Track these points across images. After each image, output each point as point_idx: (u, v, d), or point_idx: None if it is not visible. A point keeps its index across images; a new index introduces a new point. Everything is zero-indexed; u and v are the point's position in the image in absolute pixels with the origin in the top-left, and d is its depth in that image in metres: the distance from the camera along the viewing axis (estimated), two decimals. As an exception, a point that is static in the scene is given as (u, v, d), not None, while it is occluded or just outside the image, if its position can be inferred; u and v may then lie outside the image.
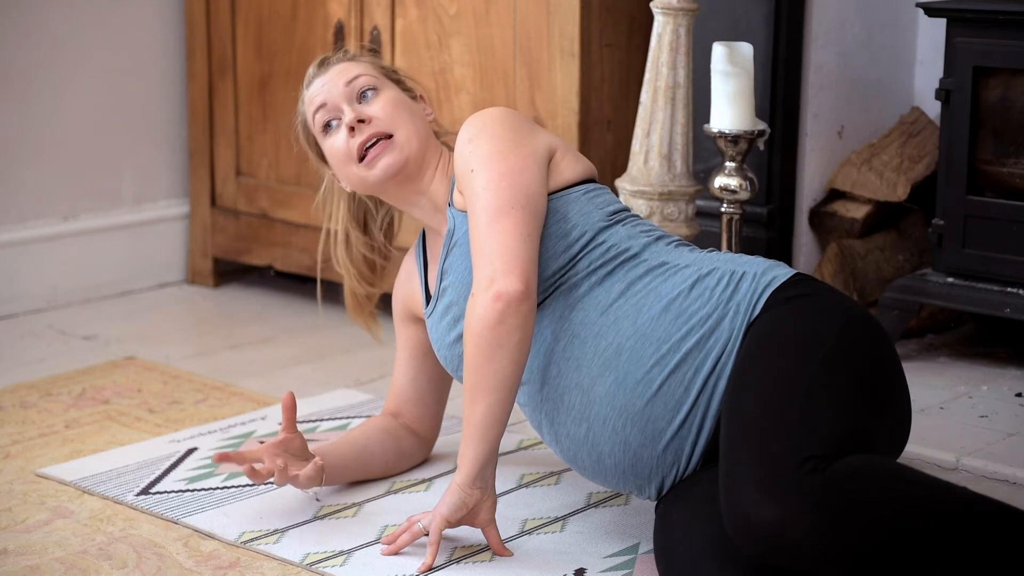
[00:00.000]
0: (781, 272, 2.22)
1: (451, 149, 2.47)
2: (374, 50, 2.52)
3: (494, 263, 2.18)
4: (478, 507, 2.23)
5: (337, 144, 2.41)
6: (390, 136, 2.39)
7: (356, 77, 2.42)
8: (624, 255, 2.27)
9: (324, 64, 2.46)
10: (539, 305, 2.27)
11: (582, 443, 2.23)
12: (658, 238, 2.32)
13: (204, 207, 3.89)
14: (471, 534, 2.32)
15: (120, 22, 3.80)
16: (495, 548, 2.27)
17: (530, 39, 3.20)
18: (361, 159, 2.39)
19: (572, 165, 2.34)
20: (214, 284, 3.92)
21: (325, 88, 2.42)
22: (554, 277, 2.26)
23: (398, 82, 2.48)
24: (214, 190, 3.87)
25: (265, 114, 3.73)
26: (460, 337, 2.34)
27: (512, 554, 2.28)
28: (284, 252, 3.74)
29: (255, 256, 3.82)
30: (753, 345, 2.14)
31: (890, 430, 2.14)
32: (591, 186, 2.35)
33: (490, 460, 2.21)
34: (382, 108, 2.40)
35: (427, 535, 2.23)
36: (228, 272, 3.97)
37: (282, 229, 3.73)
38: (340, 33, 3.51)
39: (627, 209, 2.36)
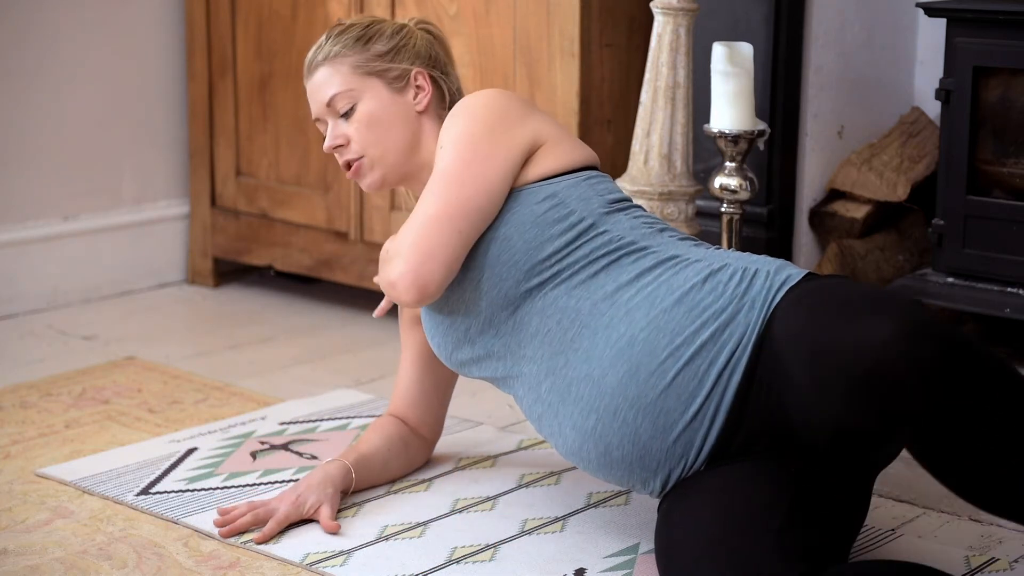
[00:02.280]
0: (794, 272, 2.21)
1: None
2: (365, 32, 2.48)
3: (412, 258, 2.24)
4: None
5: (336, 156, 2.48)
6: (363, 156, 2.43)
7: (334, 97, 2.42)
8: (630, 246, 2.26)
9: (311, 65, 2.46)
10: (541, 291, 2.27)
11: (589, 435, 2.22)
12: (661, 230, 2.32)
13: (204, 207, 3.89)
14: (470, 531, 2.31)
15: (120, 22, 3.80)
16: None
17: (530, 39, 3.20)
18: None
19: (568, 152, 2.34)
20: (214, 284, 3.92)
21: (314, 100, 2.45)
22: (551, 259, 2.25)
23: (384, 71, 2.44)
24: (214, 190, 3.87)
25: (265, 114, 3.73)
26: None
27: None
28: (284, 252, 3.74)
29: (255, 256, 3.82)
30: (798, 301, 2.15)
31: None
32: (591, 173, 2.34)
33: None
34: (356, 130, 2.41)
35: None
36: (228, 272, 3.97)
37: (282, 229, 3.73)
38: (340, 33, 3.51)
39: (628, 199, 2.35)
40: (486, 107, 2.31)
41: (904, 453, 2.52)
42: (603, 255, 2.26)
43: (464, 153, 2.27)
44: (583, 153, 2.36)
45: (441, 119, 2.44)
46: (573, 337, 2.23)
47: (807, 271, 2.22)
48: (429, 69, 2.46)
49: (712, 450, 2.16)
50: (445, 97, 2.47)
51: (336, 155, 2.44)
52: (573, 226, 2.26)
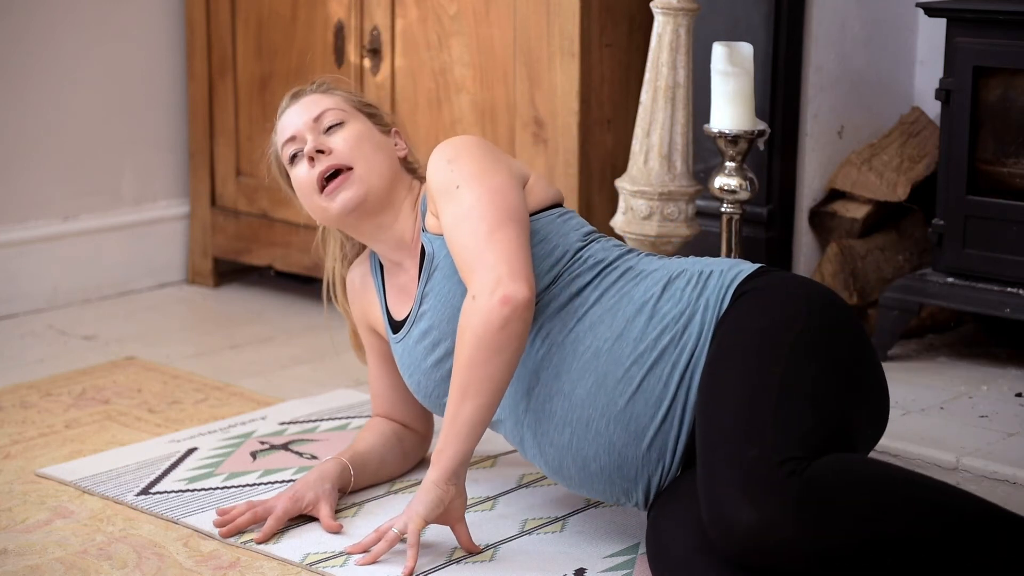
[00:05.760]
0: (746, 267, 2.28)
1: (423, 181, 2.47)
2: (347, 88, 2.54)
3: (499, 268, 2.19)
4: (452, 504, 2.23)
5: (300, 174, 2.42)
6: (351, 168, 2.39)
7: (324, 112, 2.43)
8: (599, 265, 2.32)
9: (297, 95, 2.48)
10: None
11: (566, 449, 2.25)
12: (628, 251, 2.38)
13: (204, 207, 3.89)
14: (470, 531, 2.31)
15: (120, 22, 3.80)
16: (464, 545, 2.28)
17: (530, 39, 3.20)
18: (322, 190, 2.40)
19: (544, 189, 2.40)
20: (214, 284, 3.92)
21: (294, 121, 2.44)
22: (540, 296, 2.28)
23: (371, 115, 2.48)
24: (214, 190, 3.87)
25: (265, 114, 3.73)
26: (440, 360, 2.35)
27: (481, 549, 2.29)
28: (284, 252, 3.74)
29: (255, 256, 3.82)
30: (722, 343, 2.17)
31: (868, 409, 2.19)
32: (562, 210, 2.40)
33: (468, 459, 2.23)
34: (344, 140, 2.41)
35: (404, 540, 2.23)
36: (228, 272, 3.97)
37: (282, 229, 3.73)
38: (340, 33, 3.51)
39: (596, 230, 2.41)
40: (478, 147, 2.34)
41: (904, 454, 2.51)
42: (576, 276, 2.31)
43: (488, 183, 2.27)
44: (553, 192, 2.42)
45: (405, 182, 2.45)
46: (543, 357, 2.26)
47: (760, 265, 2.29)
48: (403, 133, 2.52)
49: (685, 451, 2.19)
50: (412, 164, 2.50)
51: (314, 165, 2.39)
52: (558, 261, 2.31)
